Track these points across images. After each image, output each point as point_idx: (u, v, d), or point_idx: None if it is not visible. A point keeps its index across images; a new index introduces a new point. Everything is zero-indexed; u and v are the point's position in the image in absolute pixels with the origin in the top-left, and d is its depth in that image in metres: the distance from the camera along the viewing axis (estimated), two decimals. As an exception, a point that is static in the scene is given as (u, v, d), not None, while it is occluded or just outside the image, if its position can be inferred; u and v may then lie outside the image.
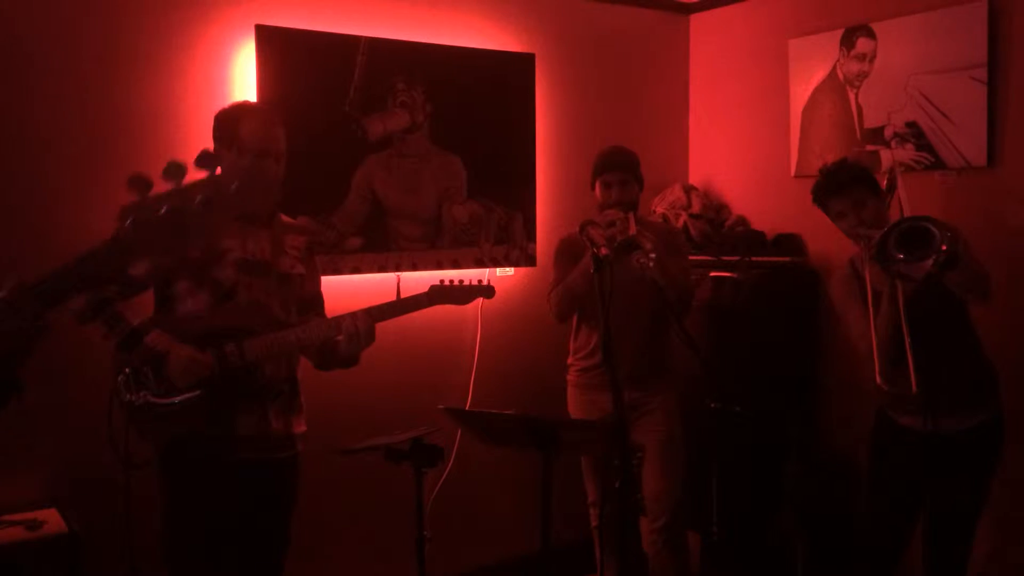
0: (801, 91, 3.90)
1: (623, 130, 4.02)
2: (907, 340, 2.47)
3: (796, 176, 3.94)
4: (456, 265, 3.65)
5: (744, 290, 3.70)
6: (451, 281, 2.54)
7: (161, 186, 1.36)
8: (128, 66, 3.02)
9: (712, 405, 3.13)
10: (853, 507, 2.96)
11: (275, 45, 3.23)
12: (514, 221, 3.84)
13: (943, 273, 2.44)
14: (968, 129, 3.30)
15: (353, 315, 2.38)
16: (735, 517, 3.44)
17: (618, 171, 3.15)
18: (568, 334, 3.35)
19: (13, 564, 2.62)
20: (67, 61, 2.93)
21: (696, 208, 4.12)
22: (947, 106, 3.36)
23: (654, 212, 4.16)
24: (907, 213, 2.52)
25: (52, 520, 2.77)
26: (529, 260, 3.88)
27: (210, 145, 2.38)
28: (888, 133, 3.57)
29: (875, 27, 3.60)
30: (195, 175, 1.36)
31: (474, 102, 3.72)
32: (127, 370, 2.24)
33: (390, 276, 3.51)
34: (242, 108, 2.46)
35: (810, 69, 3.86)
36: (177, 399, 2.25)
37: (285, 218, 2.55)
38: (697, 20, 4.42)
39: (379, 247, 3.49)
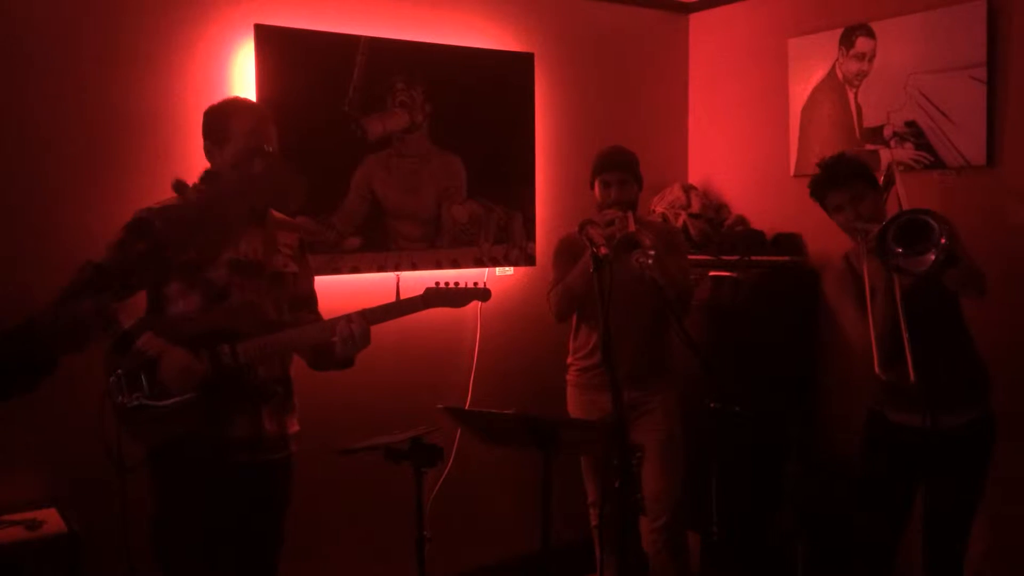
0: (800, 90, 3.90)
1: (622, 129, 4.02)
2: (904, 332, 2.47)
3: (795, 175, 3.94)
4: (456, 265, 3.65)
5: (744, 290, 3.70)
6: (446, 283, 2.53)
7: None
8: (127, 66, 3.02)
9: (712, 405, 3.12)
10: (850, 506, 2.96)
11: (274, 45, 3.23)
12: (513, 221, 3.84)
13: (943, 271, 2.44)
14: (967, 128, 3.30)
15: (348, 318, 2.35)
16: (735, 517, 3.44)
17: (617, 170, 3.15)
18: (567, 334, 3.35)
19: (13, 564, 2.61)
20: (66, 61, 2.93)
21: (695, 208, 4.12)
22: (946, 105, 3.36)
23: (653, 212, 4.16)
24: (906, 207, 2.52)
25: (52, 520, 2.77)
26: (528, 260, 3.88)
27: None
28: (887, 132, 3.57)
29: (874, 26, 3.60)
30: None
31: (474, 102, 3.72)
32: (119, 372, 2.22)
33: (389, 276, 3.51)
34: (233, 104, 2.43)
35: (809, 68, 3.86)
36: (170, 401, 2.23)
37: (276, 214, 2.53)
38: (696, 19, 4.42)
39: (378, 247, 3.49)
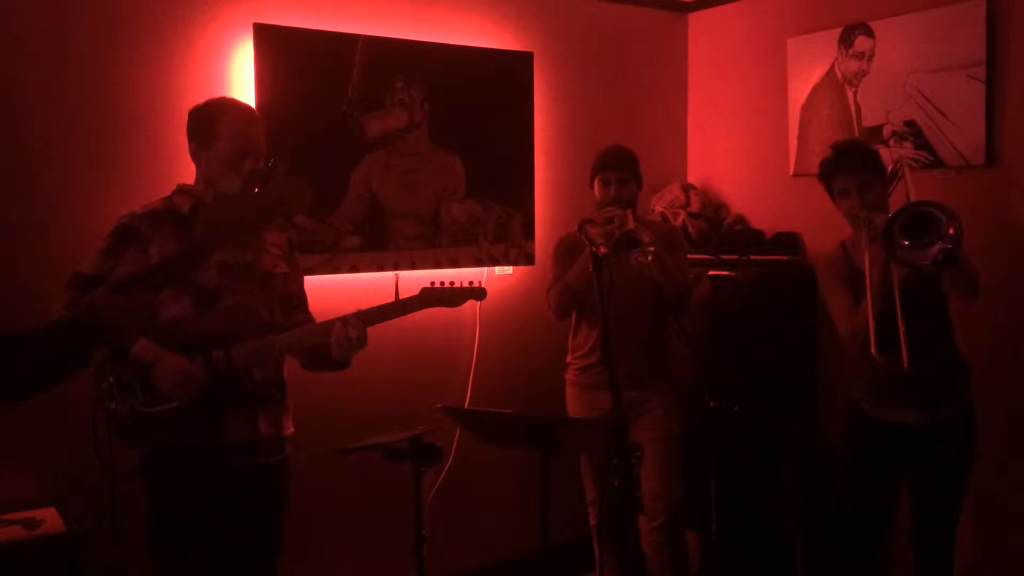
0: (800, 90, 3.90)
1: (621, 129, 4.02)
2: (900, 318, 2.48)
3: (795, 175, 3.94)
4: (455, 264, 3.65)
5: (743, 289, 3.70)
6: (441, 283, 2.52)
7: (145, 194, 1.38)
8: (126, 65, 3.02)
9: (711, 404, 3.13)
10: (840, 503, 2.96)
11: (273, 44, 3.23)
12: (512, 220, 3.84)
13: (942, 269, 2.45)
14: (966, 128, 3.30)
15: (344, 320, 2.34)
16: (734, 516, 3.44)
17: (616, 169, 3.15)
18: (567, 333, 3.35)
19: (11, 563, 2.61)
20: (65, 60, 2.93)
21: (695, 207, 4.12)
22: (945, 104, 3.36)
23: (652, 211, 4.16)
24: (913, 197, 2.53)
25: (51, 519, 2.76)
26: (528, 259, 3.88)
27: None
28: (887, 132, 3.57)
29: (873, 25, 3.60)
30: None
31: (473, 101, 3.72)
32: (111, 379, 2.19)
33: (388, 275, 3.51)
34: (221, 104, 2.40)
35: (808, 68, 3.86)
36: (165, 408, 2.20)
37: None
38: (696, 19, 4.42)
39: (377, 246, 3.49)
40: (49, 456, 2.88)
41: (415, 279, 3.44)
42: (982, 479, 3.15)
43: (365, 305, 2.41)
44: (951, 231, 2.39)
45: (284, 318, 2.45)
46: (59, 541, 2.66)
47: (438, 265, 3.61)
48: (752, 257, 3.78)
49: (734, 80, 4.23)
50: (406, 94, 3.54)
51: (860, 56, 3.66)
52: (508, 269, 3.87)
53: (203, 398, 2.21)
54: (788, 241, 3.89)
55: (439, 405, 2.58)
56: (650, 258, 2.48)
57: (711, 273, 3.80)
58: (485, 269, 3.78)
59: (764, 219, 4.05)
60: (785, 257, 3.81)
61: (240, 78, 3.21)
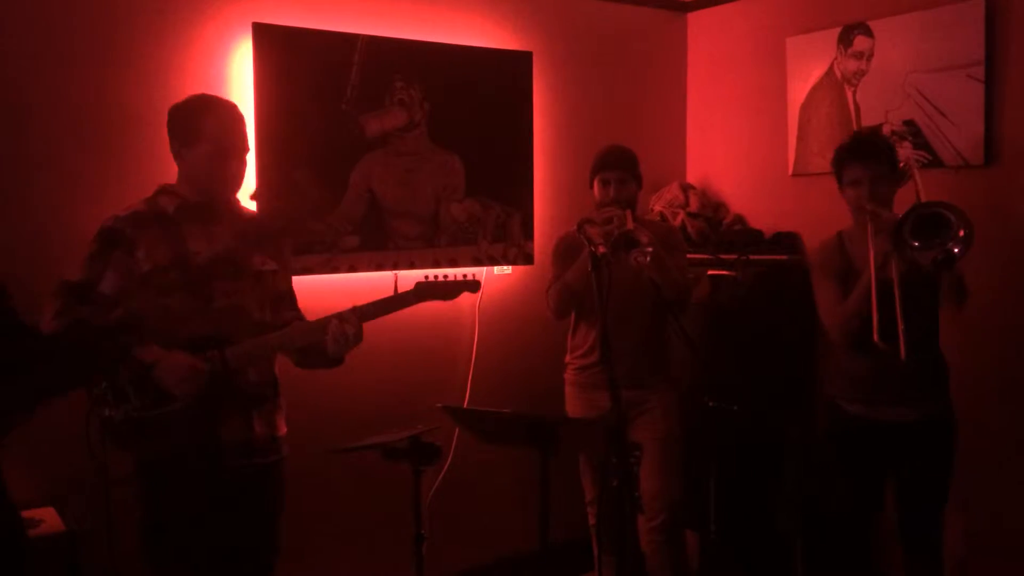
0: (799, 89, 3.90)
1: (620, 128, 4.02)
2: (899, 312, 2.48)
3: (794, 175, 3.94)
4: (454, 264, 3.65)
5: (742, 289, 3.70)
6: (435, 277, 2.51)
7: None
8: (125, 65, 3.02)
9: (710, 403, 3.13)
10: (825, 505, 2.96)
11: (272, 43, 3.23)
12: (512, 219, 3.84)
13: (939, 270, 2.46)
14: (965, 127, 3.30)
15: (340, 316, 2.32)
16: (733, 516, 3.44)
17: (616, 169, 3.15)
18: (566, 333, 3.35)
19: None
20: (63, 60, 2.92)
21: (694, 207, 4.12)
22: (944, 104, 3.36)
23: (651, 210, 4.16)
24: (923, 198, 2.54)
25: (50, 519, 2.77)
26: (527, 259, 3.88)
27: None
28: (886, 131, 3.56)
29: (872, 25, 3.60)
30: None
31: (472, 100, 3.72)
32: (104, 384, 2.16)
33: (387, 275, 3.50)
34: (203, 101, 2.36)
35: (808, 67, 3.86)
36: (161, 411, 2.17)
37: (244, 209, 2.49)
38: (695, 18, 4.42)
39: (376, 245, 3.49)
40: (48, 456, 2.87)
41: (414, 279, 3.41)
42: (977, 477, 3.16)
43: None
44: (961, 233, 2.40)
45: (274, 316, 2.43)
46: (58, 540, 2.66)
47: (437, 265, 3.61)
48: (751, 257, 3.78)
49: (733, 80, 4.23)
50: (405, 93, 3.54)
51: (859, 56, 3.66)
52: (507, 269, 3.87)
53: (199, 400, 2.19)
54: (787, 241, 3.88)
55: (438, 405, 2.57)
56: (648, 258, 2.48)
57: (710, 273, 3.80)
58: (484, 269, 3.77)
59: (763, 219, 4.05)
60: (784, 257, 3.81)
61: (239, 78, 3.21)
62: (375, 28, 3.48)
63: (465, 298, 3.66)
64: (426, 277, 2.50)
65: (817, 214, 3.64)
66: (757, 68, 4.11)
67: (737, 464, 3.45)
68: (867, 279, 2.63)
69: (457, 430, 3.44)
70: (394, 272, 3.52)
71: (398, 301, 2.44)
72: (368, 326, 2.38)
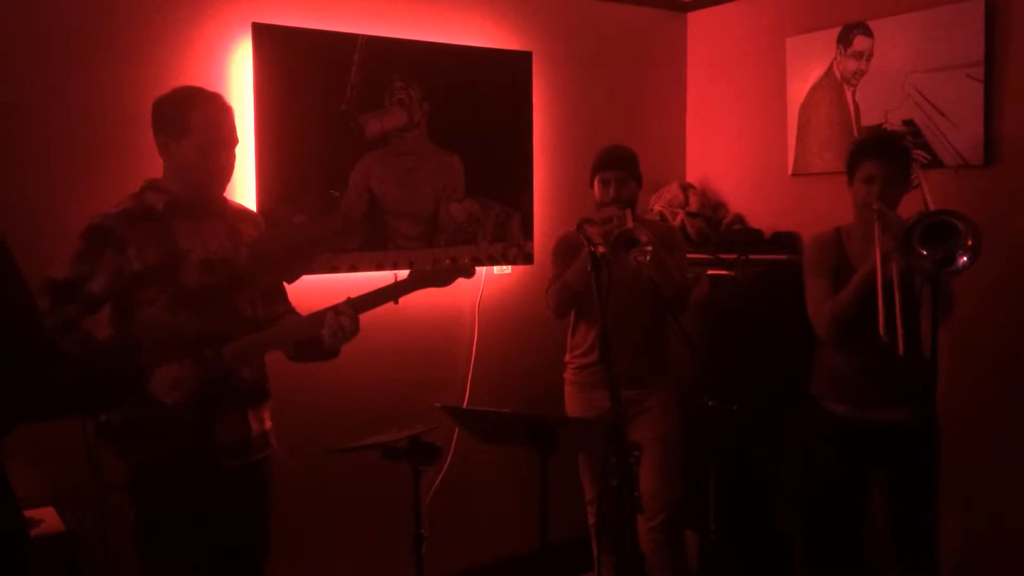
0: (798, 89, 3.90)
1: (620, 128, 4.02)
2: (899, 309, 2.49)
3: (793, 174, 3.95)
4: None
5: (741, 288, 3.70)
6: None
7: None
8: (124, 64, 3.02)
9: (709, 403, 3.13)
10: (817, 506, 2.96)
11: (272, 43, 3.23)
12: (511, 219, 3.84)
13: (939, 272, 2.46)
14: (965, 127, 3.30)
15: (336, 309, 2.28)
16: (733, 516, 3.44)
17: (616, 169, 3.15)
18: (565, 332, 3.35)
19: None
20: (62, 59, 2.93)
21: (693, 206, 4.12)
22: (944, 104, 3.36)
23: (651, 210, 4.16)
24: (931, 207, 2.55)
25: (50, 519, 2.77)
26: (527, 258, 3.88)
27: None
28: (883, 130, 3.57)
29: (872, 25, 3.60)
30: None
31: (471, 100, 3.72)
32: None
33: (387, 274, 3.50)
34: (190, 93, 2.29)
35: (807, 67, 3.86)
36: (156, 415, 2.14)
37: (235, 204, 2.47)
38: (694, 18, 4.42)
39: (376, 245, 3.49)
40: (48, 456, 2.87)
41: (414, 278, 3.43)
42: (977, 477, 3.17)
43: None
44: (969, 242, 2.40)
45: (266, 311, 2.42)
46: (58, 540, 2.66)
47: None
48: (751, 256, 3.78)
49: (733, 79, 4.23)
50: (405, 93, 3.54)
51: (859, 56, 3.66)
52: (507, 268, 3.87)
53: (196, 402, 2.17)
54: (787, 240, 3.88)
55: (438, 404, 2.57)
56: (648, 257, 2.48)
57: (710, 273, 3.80)
58: (484, 268, 3.78)
59: (763, 218, 4.05)
60: (784, 256, 3.81)
61: (239, 78, 3.21)
62: (375, 28, 3.48)
63: (465, 298, 3.71)
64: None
65: (816, 214, 3.64)
66: (757, 68, 4.11)
67: (737, 464, 3.45)
68: (862, 276, 2.64)
69: (457, 430, 3.44)
70: (394, 272, 3.52)
71: (393, 290, 2.39)
72: (368, 325, 2.36)
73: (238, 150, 2.36)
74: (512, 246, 3.84)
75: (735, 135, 4.23)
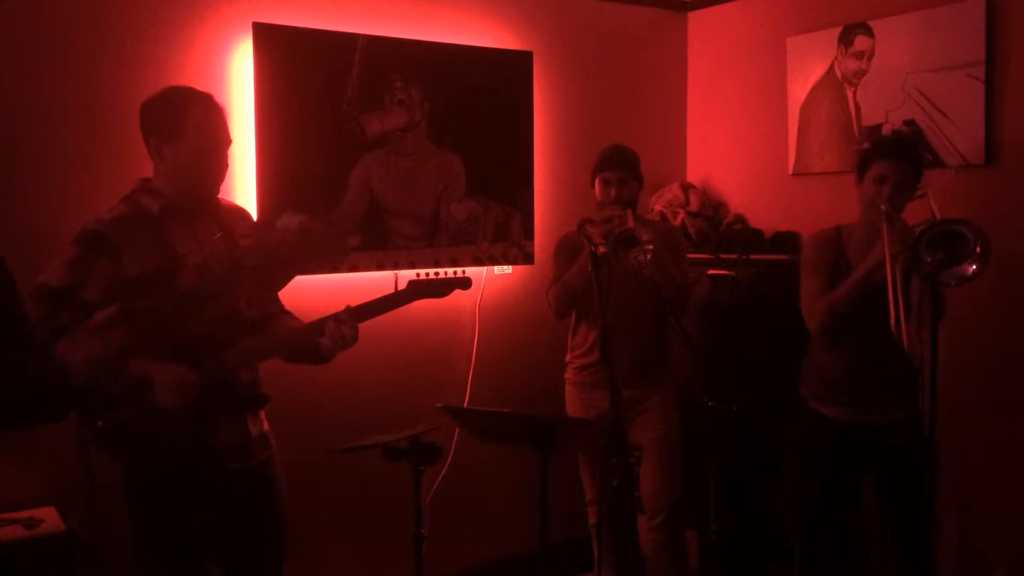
0: (799, 89, 3.90)
1: (621, 128, 4.02)
2: (902, 307, 2.49)
3: (794, 174, 3.94)
4: (454, 263, 3.65)
5: (742, 288, 3.70)
6: (427, 275, 2.50)
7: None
8: (124, 64, 3.02)
9: (710, 403, 3.13)
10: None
11: (273, 43, 3.23)
12: (512, 219, 3.84)
13: (938, 272, 2.47)
14: (966, 127, 3.30)
15: (336, 318, 2.28)
16: (733, 516, 3.44)
17: (617, 169, 3.15)
18: (566, 332, 3.35)
19: (11, 562, 2.61)
20: (61, 59, 2.93)
21: (694, 206, 4.12)
22: (945, 104, 3.36)
23: (652, 210, 4.16)
24: (939, 216, 2.56)
25: (50, 518, 2.77)
26: (527, 258, 3.88)
27: None
28: (886, 131, 3.57)
29: (873, 25, 3.60)
30: None
31: (472, 100, 3.72)
32: (96, 395, 2.10)
33: (388, 274, 3.50)
34: (183, 95, 2.26)
35: (808, 67, 3.86)
36: (156, 420, 2.12)
37: (227, 203, 2.46)
38: (695, 18, 4.41)
39: (377, 245, 3.49)
40: (49, 456, 2.87)
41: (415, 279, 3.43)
42: (977, 477, 3.16)
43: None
44: (978, 250, 2.42)
45: (262, 314, 2.41)
46: (59, 540, 2.66)
47: (437, 264, 3.61)
48: (751, 256, 3.78)
49: (734, 79, 4.23)
50: (405, 93, 3.54)
51: (860, 55, 3.66)
52: (507, 269, 3.87)
53: (195, 406, 2.14)
54: (787, 241, 3.88)
55: (438, 405, 2.58)
56: (649, 257, 2.48)
57: (710, 272, 3.80)
58: (484, 268, 3.78)
59: (763, 218, 4.05)
60: (784, 256, 3.80)
61: (239, 78, 3.21)
62: (375, 28, 3.48)
63: (465, 298, 3.70)
64: (417, 275, 2.49)
65: (817, 214, 3.64)
66: (757, 68, 4.11)
67: (737, 464, 3.45)
68: (863, 272, 2.64)
69: (457, 430, 3.44)
70: (395, 272, 3.52)
71: (392, 300, 2.41)
72: (369, 326, 2.37)
73: (238, 150, 2.36)
74: (513, 246, 3.84)
75: (736, 135, 4.23)
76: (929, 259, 2.46)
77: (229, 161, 2.34)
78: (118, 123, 3.00)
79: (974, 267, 2.45)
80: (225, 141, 2.29)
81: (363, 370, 3.34)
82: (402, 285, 2.84)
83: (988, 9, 3.21)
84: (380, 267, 3.49)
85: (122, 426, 2.14)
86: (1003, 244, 3.18)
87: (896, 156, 2.72)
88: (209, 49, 3.16)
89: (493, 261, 3.80)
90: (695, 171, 4.44)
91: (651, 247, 2.49)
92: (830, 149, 3.78)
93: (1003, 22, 3.20)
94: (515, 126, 3.85)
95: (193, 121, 2.21)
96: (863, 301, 2.63)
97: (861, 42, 3.64)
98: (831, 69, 3.77)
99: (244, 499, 2.31)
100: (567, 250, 3.18)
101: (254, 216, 2.70)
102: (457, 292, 2.56)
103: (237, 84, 3.19)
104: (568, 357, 3.33)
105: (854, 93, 3.69)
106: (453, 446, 3.57)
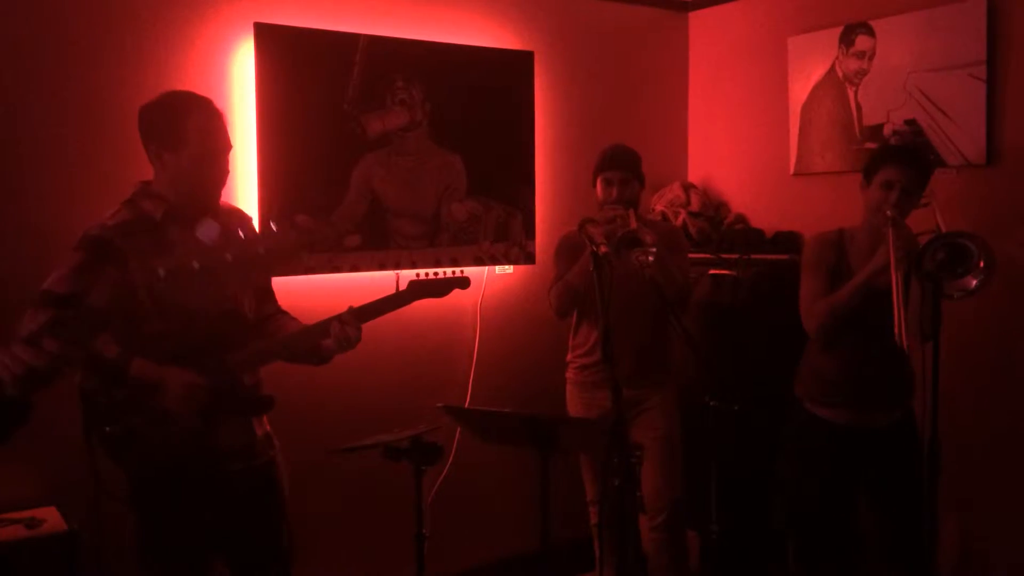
0: (800, 89, 3.90)
1: (622, 128, 4.02)
2: (904, 310, 2.50)
3: (795, 174, 3.94)
4: (455, 263, 3.65)
5: (743, 288, 3.70)
6: (426, 275, 2.51)
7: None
8: (124, 64, 3.02)
9: (710, 403, 3.12)
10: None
11: (274, 43, 3.23)
12: (513, 219, 3.84)
13: (938, 274, 2.48)
14: (967, 127, 3.29)
15: (340, 319, 2.27)
16: (734, 516, 3.44)
17: (619, 169, 3.15)
18: (567, 332, 3.35)
19: (12, 562, 2.61)
20: (62, 60, 2.93)
21: (695, 206, 4.12)
22: (946, 104, 3.36)
23: (653, 210, 4.16)
24: (944, 228, 2.57)
25: (51, 518, 2.77)
26: (528, 258, 3.88)
27: None
28: (887, 131, 3.57)
29: (874, 24, 3.60)
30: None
31: (473, 100, 3.72)
32: (102, 401, 2.10)
33: (389, 274, 3.50)
34: (183, 101, 2.23)
35: (809, 67, 3.86)
36: (163, 424, 2.11)
37: (225, 204, 2.44)
38: (696, 18, 4.41)
39: (378, 245, 3.49)
40: (50, 455, 2.87)
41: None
42: (976, 477, 3.16)
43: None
44: (981, 264, 2.42)
45: (262, 316, 2.42)
46: (60, 540, 2.66)
47: (438, 264, 3.60)
48: (752, 256, 3.78)
49: (735, 79, 4.22)
50: (406, 93, 3.54)
51: (861, 55, 3.65)
52: (508, 268, 3.87)
53: (205, 409, 2.14)
54: (788, 240, 3.88)
55: (439, 404, 2.58)
56: (651, 258, 2.48)
57: (711, 272, 3.80)
58: (486, 268, 3.78)
59: (764, 218, 4.05)
60: (785, 256, 3.80)
61: (240, 78, 3.21)
62: (376, 28, 3.48)
63: (466, 297, 3.70)
64: (417, 275, 2.51)
65: (818, 214, 3.64)
66: (758, 67, 4.10)
67: (737, 464, 3.44)
68: (866, 275, 2.64)
69: (458, 430, 3.44)
70: (396, 272, 3.52)
71: (394, 300, 2.42)
72: (370, 326, 2.37)
73: (239, 149, 2.36)
74: (514, 246, 3.84)
75: (737, 135, 4.23)
76: (931, 261, 2.47)
77: (230, 166, 2.34)
78: (118, 123, 3.00)
79: (977, 281, 2.46)
80: (225, 147, 2.28)
81: (364, 370, 3.34)
82: (403, 285, 2.85)
83: (989, 9, 3.21)
84: (381, 267, 3.49)
85: (130, 432, 2.14)
86: (1003, 243, 3.18)
87: (905, 163, 2.72)
88: (210, 49, 3.16)
89: (494, 261, 3.80)
90: (696, 171, 4.44)
91: (654, 249, 2.49)
92: (831, 149, 3.78)
93: (1004, 22, 3.20)
94: (516, 126, 3.85)
95: (194, 128, 2.20)
96: (863, 304, 2.64)
97: (862, 42, 3.64)
98: (832, 69, 3.77)
99: (247, 499, 2.31)
100: (568, 250, 3.18)
101: (254, 218, 2.69)
102: (458, 292, 2.56)
103: (238, 84, 3.19)
104: (569, 357, 3.33)
105: (855, 93, 3.69)
106: (454, 446, 3.57)
